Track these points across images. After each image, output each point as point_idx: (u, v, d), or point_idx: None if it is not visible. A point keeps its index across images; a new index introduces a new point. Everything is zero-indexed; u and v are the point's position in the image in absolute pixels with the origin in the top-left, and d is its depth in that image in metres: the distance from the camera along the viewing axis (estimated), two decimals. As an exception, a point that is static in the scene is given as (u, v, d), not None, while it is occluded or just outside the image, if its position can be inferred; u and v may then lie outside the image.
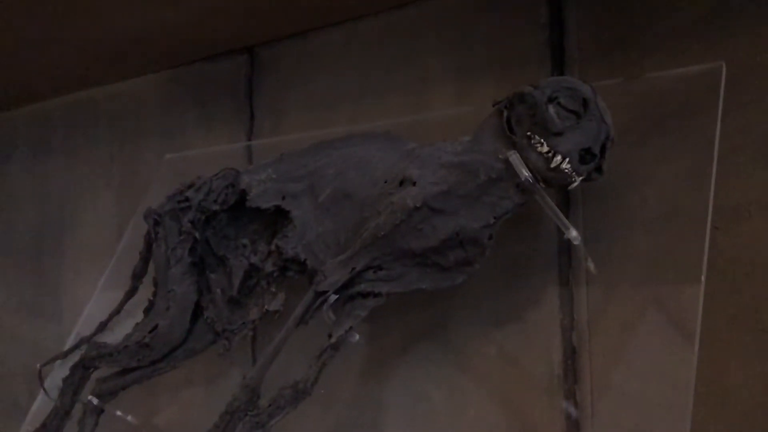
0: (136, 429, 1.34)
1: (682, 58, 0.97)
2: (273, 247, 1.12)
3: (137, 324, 1.20)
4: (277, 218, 1.13)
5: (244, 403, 0.98)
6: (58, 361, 1.32)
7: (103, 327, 1.28)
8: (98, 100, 1.72)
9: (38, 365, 1.29)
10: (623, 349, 0.95)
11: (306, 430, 1.15)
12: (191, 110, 1.53)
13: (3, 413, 1.71)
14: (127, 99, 1.66)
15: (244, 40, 1.44)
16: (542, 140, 0.87)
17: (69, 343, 1.35)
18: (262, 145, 1.39)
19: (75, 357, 1.26)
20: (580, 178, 0.88)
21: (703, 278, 0.85)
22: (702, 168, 0.89)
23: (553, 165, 0.86)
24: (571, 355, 1.00)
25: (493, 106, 0.93)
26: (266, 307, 1.13)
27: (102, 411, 1.22)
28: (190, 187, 1.17)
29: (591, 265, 0.94)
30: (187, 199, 1.16)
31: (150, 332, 1.14)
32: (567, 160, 0.85)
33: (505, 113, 0.91)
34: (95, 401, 1.21)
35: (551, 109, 0.87)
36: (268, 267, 1.13)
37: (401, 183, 0.97)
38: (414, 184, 0.95)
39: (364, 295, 0.98)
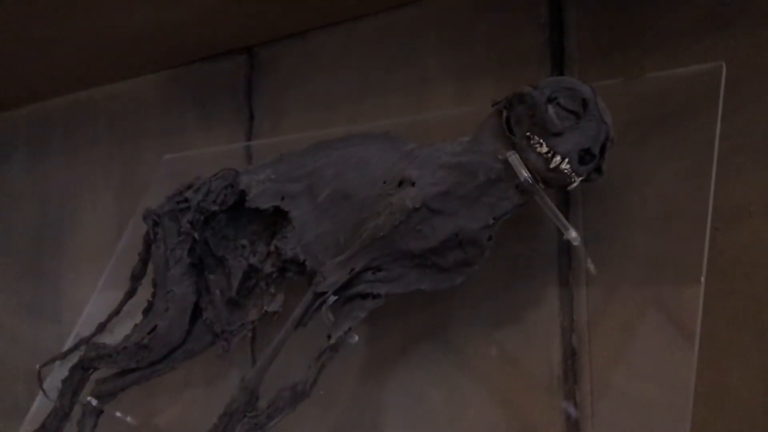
0: (135, 430, 1.34)
1: (682, 58, 0.97)
2: (272, 248, 1.11)
3: (136, 325, 1.19)
4: (277, 219, 1.13)
5: (242, 404, 0.97)
6: (58, 362, 1.32)
7: (102, 328, 1.28)
8: (98, 100, 1.72)
9: (37, 366, 1.29)
10: (623, 350, 0.95)
11: (305, 431, 1.15)
12: (191, 110, 1.53)
13: (3, 414, 1.71)
14: (126, 99, 1.66)
15: (243, 40, 1.44)
16: (541, 141, 0.86)
17: (68, 343, 1.35)
18: (261, 145, 1.39)
19: (74, 358, 1.26)
20: (580, 179, 0.87)
21: (703, 279, 0.85)
22: (702, 168, 0.89)
23: (552, 165, 0.86)
24: (570, 355, 1.00)
25: (493, 106, 0.93)
26: (265, 308, 1.13)
27: (101, 412, 1.22)
28: (189, 187, 1.17)
29: (591, 266, 0.94)
30: (186, 200, 1.16)
31: (149, 333, 1.14)
32: (566, 160, 0.85)
33: (505, 113, 0.91)
34: (94, 402, 1.20)
35: (551, 109, 0.86)
36: (267, 268, 1.12)
37: (400, 184, 0.97)
38: (413, 184, 0.94)
39: (363, 296, 0.97)
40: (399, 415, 1.13)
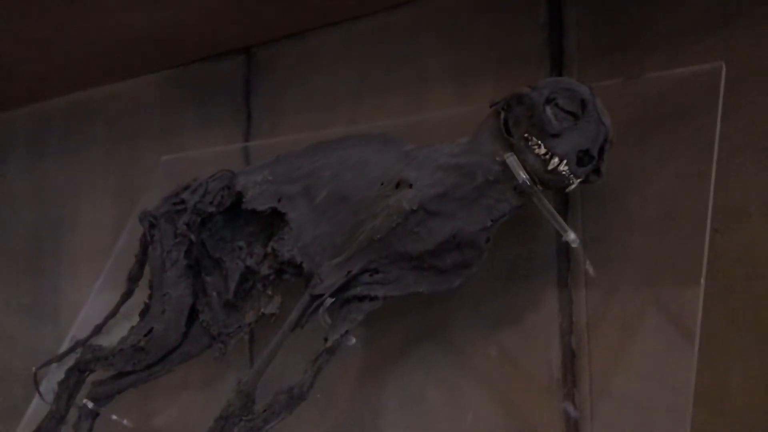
0: (131, 433, 1.34)
1: (682, 58, 0.96)
2: (269, 250, 1.11)
3: (133, 327, 1.19)
4: (274, 220, 1.13)
5: (238, 408, 0.97)
6: (54, 364, 1.32)
7: (98, 330, 1.28)
8: (96, 100, 1.72)
9: (33, 368, 1.29)
10: (622, 352, 0.94)
11: (304, 433, 1.15)
12: (189, 111, 1.53)
13: (0, 415, 1.71)
14: (124, 100, 1.66)
15: (241, 41, 1.43)
16: (540, 142, 0.86)
17: (64, 346, 1.34)
18: (259, 146, 1.38)
19: (71, 360, 1.25)
20: (578, 181, 0.87)
21: (702, 280, 0.85)
22: (702, 169, 0.89)
23: (550, 167, 0.85)
24: (570, 357, 0.99)
25: (491, 107, 0.93)
26: (262, 310, 1.12)
27: (97, 415, 1.22)
28: (185, 188, 1.17)
29: (590, 268, 0.94)
30: (182, 201, 1.16)
31: (145, 335, 1.14)
32: (564, 162, 0.85)
33: (503, 115, 0.91)
34: (90, 405, 1.20)
35: (549, 110, 0.86)
36: (264, 270, 1.12)
37: (398, 185, 0.96)
38: (410, 186, 0.94)
39: (361, 299, 0.97)
40: (398, 417, 1.13)
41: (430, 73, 1.21)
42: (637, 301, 0.93)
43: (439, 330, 1.10)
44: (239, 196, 1.14)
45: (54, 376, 1.28)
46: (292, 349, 1.01)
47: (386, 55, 1.26)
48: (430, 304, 1.09)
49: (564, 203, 1.00)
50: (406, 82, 1.23)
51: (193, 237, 1.15)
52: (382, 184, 1.00)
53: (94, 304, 1.39)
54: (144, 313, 1.20)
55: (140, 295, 1.23)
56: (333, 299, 0.99)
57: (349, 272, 0.97)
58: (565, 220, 0.92)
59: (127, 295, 1.26)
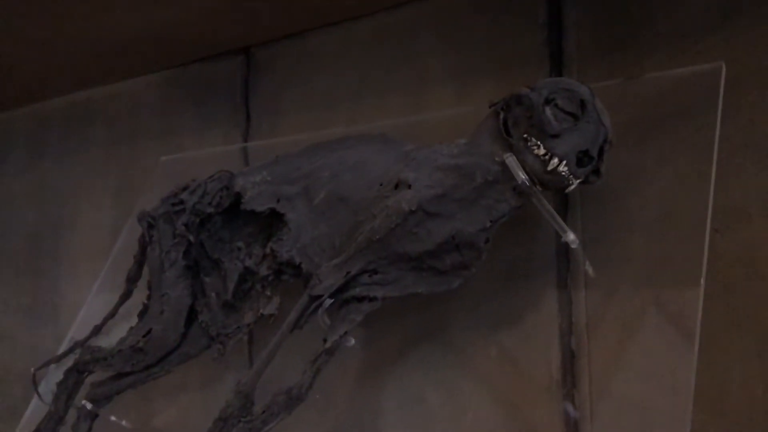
0: (130, 433, 1.34)
1: (682, 58, 0.96)
2: (268, 251, 1.11)
3: (131, 328, 1.19)
4: (272, 221, 1.13)
5: (237, 409, 0.97)
6: (53, 365, 1.32)
7: (97, 331, 1.28)
8: (95, 101, 1.72)
9: (32, 369, 1.29)
10: (622, 352, 0.94)
11: (303, 434, 1.15)
12: (188, 111, 1.53)
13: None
14: (123, 100, 1.66)
15: (240, 41, 1.43)
16: (539, 142, 0.86)
17: (63, 346, 1.34)
18: (258, 146, 1.38)
19: (69, 361, 1.25)
20: (578, 181, 0.87)
21: (702, 281, 0.84)
22: (701, 169, 0.89)
23: (549, 168, 0.85)
24: (569, 358, 0.99)
25: (490, 107, 0.93)
26: (261, 310, 1.12)
27: (96, 416, 1.22)
28: (184, 189, 1.17)
29: (589, 268, 0.94)
30: (181, 202, 1.16)
31: (144, 336, 1.14)
32: (564, 162, 0.85)
33: (502, 115, 0.90)
34: (89, 406, 1.20)
35: (548, 111, 0.86)
36: (263, 270, 1.12)
37: (397, 186, 0.96)
38: (409, 187, 0.94)
39: (360, 299, 0.97)
40: (397, 418, 1.13)
41: (429, 74, 1.20)
42: (636, 302, 0.93)
43: (438, 331, 1.10)
44: (238, 196, 1.14)
45: (53, 376, 1.28)
46: (291, 349, 1.01)
47: (386, 55, 1.26)
48: (430, 304, 1.09)
49: (563, 204, 1.00)
50: (405, 83, 1.23)
51: (191, 238, 1.15)
52: (381, 184, 1.00)
53: (92, 304, 1.39)
54: (143, 313, 1.20)
55: (139, 296, 1.23)
56: (332, 300, 0.99)
57: (348, 273, 0.97)
58: (564, 220, 0.92)
59: (125, 295, 1.26)
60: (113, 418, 1.29)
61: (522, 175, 0.87)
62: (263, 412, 0.95)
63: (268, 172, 1.13)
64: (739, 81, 0.91)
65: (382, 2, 1.24)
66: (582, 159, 0.86)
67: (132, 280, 1.25)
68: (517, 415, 1.03)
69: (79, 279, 1.66)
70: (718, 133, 0.88)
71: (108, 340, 1.24)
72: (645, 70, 0.98)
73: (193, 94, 1.52)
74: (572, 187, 0.87)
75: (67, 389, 1.22)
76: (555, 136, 0.85)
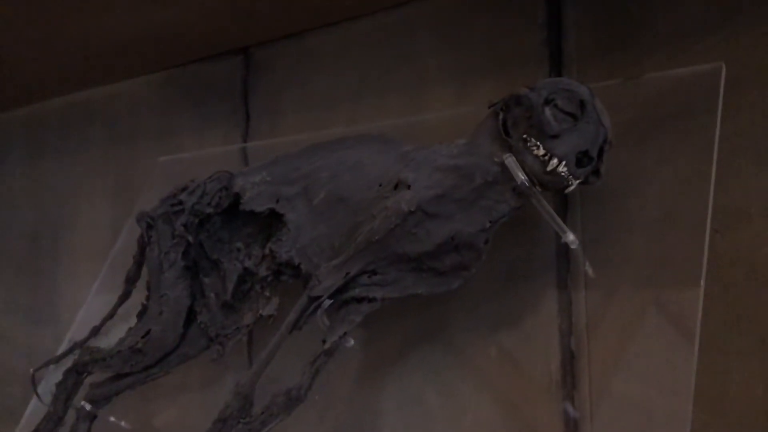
0: (129, 435, 1.34)
1: (682, 58, 0.96)
2: (267, 251, 1.11)
3: (130, 329, 1.19)
4: (272, 221, 1.12)
5: (236, 410, 0.97)
6: (52, 366, 1.31)
7: (96, 331, 1.28)
8: (94, 101, 1.72)
9: (31, 370, 1.29)
10: (622, 353, 0.94)
11: (302, 435, 1.15)
12: (187, 111, 1.53)
13: (-2, 417, 1.71)
14: (122, 100, 1.66)
15: (239, 41, 1.43)
16: (538, 143, 0.85)
17: (62, 347, 1.34)
18: (257, 146, 1.38)
19: (68, 362, 1.25)
20: (577, 182, 0.87)
21: (702, 281, 0.84)
22: (701, 170, 0.88)
23: (549, 168, 0.85)
24: (569, 359, 0.99)
25: (489, 108, 0.92)
26: (260, 311, 1.12)
27: (95, 417, 1.22)
28: (183, 190, 1.17)
29: (589, 269, 0.94)
30: (180, 202, 1.15)
31: (143, 337, 1.13)
32: (563, 163, 0.84)
33: (501, 115, 0.90)
34: (88, 407, 1.20)
35: (547, 111, 0.85)
36: (262, 271, 1.12)
37: (396, 186, 0.96)
38: (409, 187, 0.94)
39: (359, 300, 0.97)
40: (397, 418, 1.13)
41: (429, 74, 1.20)
42: (636, 303, 0.93)
43: (438, 331, 1.10)
44: (237, 197, 1.14)
45: (52, 377, 1.28)
46: (291, 350, 1.01)
47: (385, 55, 1.25)
48: (429, 305, 1.08)
49: (563, 204, 1.00)
50: (405, 83, 1.22)
51: (190, 238, 1.15)
52: (380, 185, 1.00)
53: (91, 305, 1.39)
54: (142, 314, 1.19)
55: (138, 297, 1.23)
56: (331, 301, 0.98)
57: (347, 274, 0.97)
58: (564, 221, 0.91)
59: (124, 296, 1.26)
60: (112, 418, 1.28)
61: (521, 176, 0.87)
62: (262, 413, 0.95)
63: (267, 173, 1.13)
64: (739, 81, 0.91)
65: (382, 2, 1.23)
66: (582, 159, 0.85)
67: (131, 281, 1.25)
68: (517, 415, 1.02)
69: (79, 279, 1.66)
70: (718, 133, 0.87)
71: (107, 341, 1.24)
72: (645, 70, 0.98)
73: (193, 94, 1.52)
74: (572, 187, 0.87)
75: (66, 390, 1.21)
76: (554, 136, 0.85)
